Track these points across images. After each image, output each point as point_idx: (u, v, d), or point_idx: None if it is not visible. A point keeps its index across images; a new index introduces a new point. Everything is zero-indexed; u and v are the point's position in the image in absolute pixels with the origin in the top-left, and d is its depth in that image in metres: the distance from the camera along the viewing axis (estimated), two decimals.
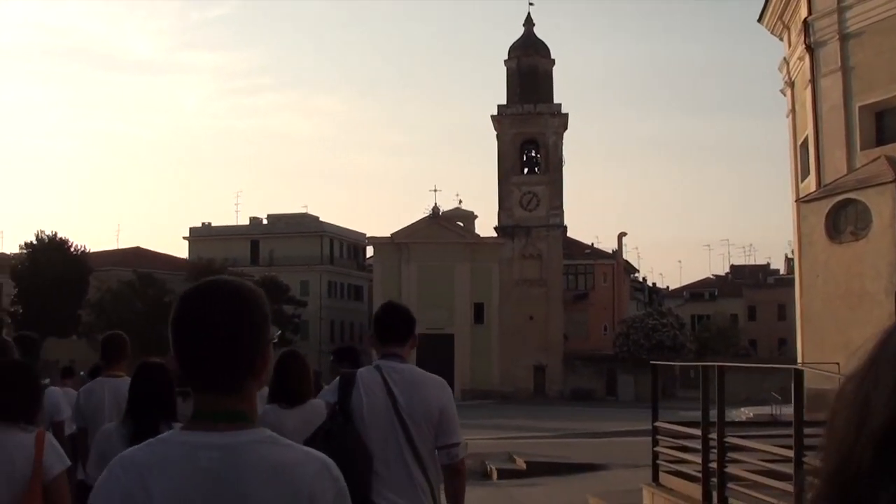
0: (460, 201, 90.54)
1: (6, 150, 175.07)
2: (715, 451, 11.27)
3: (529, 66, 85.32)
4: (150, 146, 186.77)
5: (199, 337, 2.50)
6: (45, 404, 7.31)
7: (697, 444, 12.09)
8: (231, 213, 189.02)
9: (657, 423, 13.27)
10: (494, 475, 22.90)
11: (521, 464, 23.84)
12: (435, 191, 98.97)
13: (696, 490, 11.94)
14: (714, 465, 11.38)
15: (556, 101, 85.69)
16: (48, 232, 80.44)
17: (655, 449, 13.23)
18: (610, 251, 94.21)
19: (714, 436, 11.39)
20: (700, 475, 11.85)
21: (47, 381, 8.50)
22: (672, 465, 13.07)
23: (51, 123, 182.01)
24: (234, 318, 2.51)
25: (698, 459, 11.96)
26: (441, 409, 5.68)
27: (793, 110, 29.09)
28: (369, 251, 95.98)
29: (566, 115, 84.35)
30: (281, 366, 7.25)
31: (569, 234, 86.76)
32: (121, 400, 6.98)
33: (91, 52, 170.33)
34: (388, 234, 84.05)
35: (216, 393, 2.52)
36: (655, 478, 13.26)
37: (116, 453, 5.66)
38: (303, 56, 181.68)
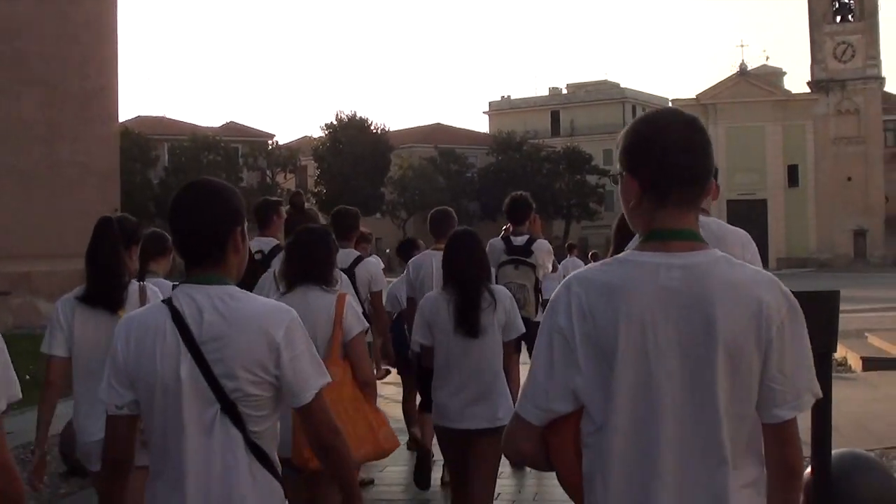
0: (767, 58, 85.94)
1: (309, 35, 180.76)
2: None
3: None
4: (448, 22, 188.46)
5: (684, 157, 2.55)
6: (363, 275, 8.47)
7: None
8: (530, 84, 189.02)
9: None
10: (856, 364, 18.09)
11: (887, 348, 18.77)
12: (741, 46, 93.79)
13: None
14: None
15: None
16: (347, 112, 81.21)
17: None
18: None
19: None
20: None
21: (372, 255, 9.60)
22: None
23: (345, 6, 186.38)
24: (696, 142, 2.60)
25: None
26: (749, 263, 4.62)
27: None
28: None
29: None
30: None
31: (886, 88, 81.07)
32: None
33: None
34: (693, 96, 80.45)
35: (674, 211, 2.56)
36: None
37: (442, 319, 6.18)
38: None
